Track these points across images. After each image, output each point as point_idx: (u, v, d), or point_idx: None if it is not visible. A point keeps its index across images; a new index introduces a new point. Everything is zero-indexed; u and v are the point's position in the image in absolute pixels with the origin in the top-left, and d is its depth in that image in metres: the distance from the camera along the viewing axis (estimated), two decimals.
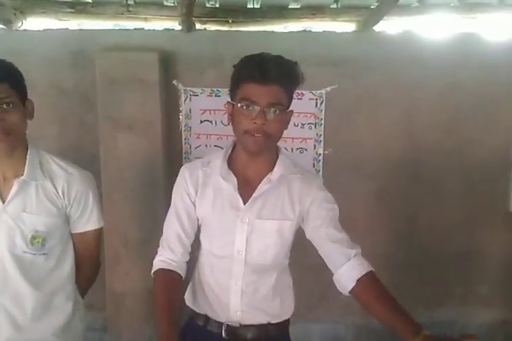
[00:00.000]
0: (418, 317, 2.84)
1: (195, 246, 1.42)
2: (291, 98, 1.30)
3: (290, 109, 1.32)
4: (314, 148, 2.45)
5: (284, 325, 1.44)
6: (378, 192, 2.52)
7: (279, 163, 1.37)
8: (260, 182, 1.34)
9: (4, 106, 1.27)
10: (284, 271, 1.47)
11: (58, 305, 1.44)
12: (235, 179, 1.34)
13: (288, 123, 1.34)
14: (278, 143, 1.36)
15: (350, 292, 1.29)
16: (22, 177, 1.35)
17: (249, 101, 1.23)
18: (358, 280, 1.28)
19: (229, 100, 1.31)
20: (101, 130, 2.28)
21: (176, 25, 2.43)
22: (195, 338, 1.38)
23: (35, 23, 2.48)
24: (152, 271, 1.37)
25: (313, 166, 2.46)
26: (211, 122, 2.39)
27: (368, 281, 1.29)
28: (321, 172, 2.46)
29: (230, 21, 2.49)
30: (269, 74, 1.21)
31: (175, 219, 1.40)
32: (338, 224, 1.41)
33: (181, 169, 1.43)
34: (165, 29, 2.49)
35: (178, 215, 1.39)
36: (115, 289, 2.40)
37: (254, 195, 1.33)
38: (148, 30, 2.45)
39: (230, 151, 1.40)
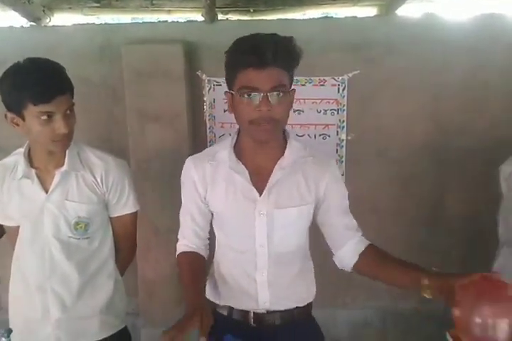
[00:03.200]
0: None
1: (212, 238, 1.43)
2: (292, 76, 1.23)
3: (292, 88, 1.24)
4: (337, 134, 2.46)
5: (309, 307, 1.44)
6: (402, 177, 2.52)
7: (290, 147, 1.31)
8: (272, 170, 1.29)
9: (67, 112, 1.36)
10: (306, 256, 1.45)
11: (101, 283, 1.54)
12: (245, 170, 1.28)
13: (292, 103, 1.26)
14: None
15: (353, 267, 1.34)
16: (63, 168, 1.43)
17: (250, 88, 1.15)
18: (360, 254, 1.33)
19: (229, 89, 1.24)
20: (129, 122, 2.35)
21: (198, 16, 2.46)
22: (221, 327, 1.28)
23: (62, 18, 2.54)
24: (176, 255, 1.39)
25: (336, 152, 2.48)
26: None
27: (368, 250, 1.34)
28: (344, 158, 2.48)
29: (252, 10, 2.50)
30: (267, 57, 1.13)
31: (187, 214, 1.38)
32: (347, 208, 1.41)
33: (187, 161, 1.37)
34: (188, 21, 2.53)
35: (190, 211, 1.37)
36: (147, 276, 2.49)
37: (268, 184, 1.28)
38: (172, 22, 2.50)
39: (234, 140, 1.33)
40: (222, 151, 1.33)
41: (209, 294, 1.43)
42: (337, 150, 2.47)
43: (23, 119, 1.32)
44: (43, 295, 1.46)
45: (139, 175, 2.35)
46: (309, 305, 1.44)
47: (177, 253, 1.39)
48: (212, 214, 1.39)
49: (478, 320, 1.05)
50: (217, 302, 1.41)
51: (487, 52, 2.38)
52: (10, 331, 1.18)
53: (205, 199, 1.35)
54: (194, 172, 1.33)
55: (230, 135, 1.37)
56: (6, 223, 1.54)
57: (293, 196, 1.31)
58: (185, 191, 1.38)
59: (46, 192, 1.44)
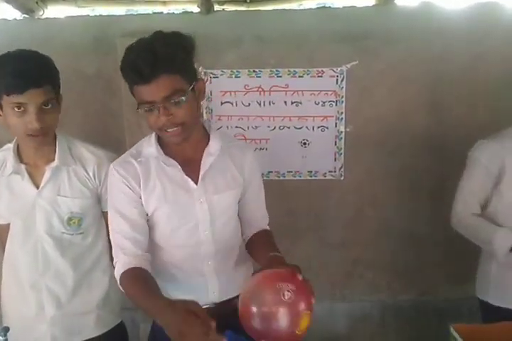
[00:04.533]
0: (444, 292, 2.86)
1: None
2: (188, 74, 1.21)
3: (198, 78, 1.25)
4: (336, 126, 2.44)
5: None
6: (401, 168, 2.50)
7: (213, 136, 1.36)
8: (201, 159, 1.32)
9: (43, 106, 1.32)
10: (241, 239, 1.48)
11: (96, 279, 1.53)
12: (175, 162, 1.30)
13: (202, 96, 1.28)
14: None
15: (245, 246, 1.46)
16: (53, 164, 1.41)
17: (146, 102, 1.17)
18: (251, 236, 1.46)
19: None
20: (125, 115, 2.33)
21: (194, 7, 2.42)
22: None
23: (56, 11, 2.51)
24: (118, 282, 1.26)
25: (335, 144, 2.45)
26: (232, 103, 2.40)
27: (255, 234, 1.45)
28: (343, 150, 2.46)
29: (248, 1, 2.47)
30: (145, 72, 1.13)
31: (121, 221, 1.29)
32: (263, 197, 1.50)
33: (110, 168, 1.33)
34: (184, 12, 2.49)
35: (124, 215, 1.29)
36: None
37: (201, 171, 1.31)
38: (168, 13, 2.46)
39: (156, 137, 1.33)
40: (148, 148, 1.33)
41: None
42: (336, 142, 2.45)
43: (2, 109, 1.31)
44: (37, 293, 1.45)
45: None
46: None
47: (116, 275, 1.27)
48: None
49: (254, 309, 1.05)
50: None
51: (486, 40, 2.35)
52: (7, 329, 1.17)
53: (140, 197, 1.31)
54: (124, 173, 1.30)
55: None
56: None
57: (227, 180, 1.36)
58: (117, 197, 1.32)
59: (37, 188, 1.42)
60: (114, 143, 2.37)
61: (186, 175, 1.31)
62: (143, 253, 1.29)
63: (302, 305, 1.06)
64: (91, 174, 1.47)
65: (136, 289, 1.20)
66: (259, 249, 1.38)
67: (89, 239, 1.50)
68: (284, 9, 2.44)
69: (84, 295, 1.50)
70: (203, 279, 1.38)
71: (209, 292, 1.38)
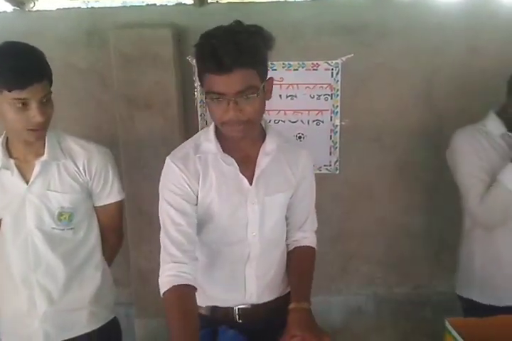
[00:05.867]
0: (439, 285, 2.87)
1: None
2: (263, 71, 1.19)
3: (269, 76, 1.21)
4: (331, 119, 2.42)
5: (289, 296, 1.38)
6: (397, 162, 2.50)
7: (270, 133, 1.32)
8: (257, 157, 1.29)
9: (44, 100, 1.32)
10: (284, 242, 1.45)
11: (88, 274, 1.52)
12: (233, 160, 1.27)
13: (269, 95, 1.24)
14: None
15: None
16: (43, 158, 1.39)
17: (216, 93, 1.12)
18: (295, 247, 1.44)
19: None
20: (118, 109, 2.30)
21: None
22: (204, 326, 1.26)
23: (47, 3, 2.47)
24: (161, 292, 1.25)
25: (330, 138, 2.44)
26: None
27: (298, 250, 1.43)
28: (338, 144, 2.45)
29: None
30: (226, 63, 1.07)
31: (170, 224, 1.28)
32: (313, 200, 1.46)
33: (169, 161, 1.30)
34: (177, 4, 2.46)
35: (174, 219, 1.27)
36: (140, 266, 2.45)
37: (256, 172, 1.28)
38: (161, 5, 2.42)
39: (214, 131, 1.30)
40: (207, 143, 1.30)
41: None
42: (331, 136, 2.44)
43: None
44: (28, 289, 1.44)
45: (130, 163, 2.30)
46: (288, 294, 1.39)
47: (163, 288, 1.24)
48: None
49: None
50: (200, 305, 1.36)
51: (482, 34, 2.33)
52: None
53: (197, 196, 1.29)
54: (184, 169, 1.27)
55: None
56: None
57: (279, 181, 1.33)
58: (169, 195, 1.29)
59: (27, 183, 1.40)
60: (106, 137, 2.35)
61: (241, 173, 1.28)
62: (192, 255, 1.27)
63: None
64: (81, 168, 1.45)
65: (173, 314, 1.19)
66: (293, 277, 1.37)
67: (80, 234, 1.49)
68: (279, 1, 2.41)
69: (76, 290, 1.49)
70: (242, 280, 1.35)
71: (246, 293, 1.36)
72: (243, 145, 1.29)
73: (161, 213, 1.32)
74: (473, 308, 1.77)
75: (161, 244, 1.31)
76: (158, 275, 1.28)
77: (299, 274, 1.37)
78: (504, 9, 2.33)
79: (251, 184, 1.29)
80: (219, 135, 1.29)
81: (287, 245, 1.45)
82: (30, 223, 1.41)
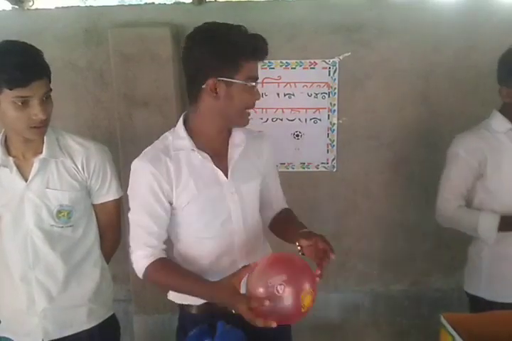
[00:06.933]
0: (435, 282, 2.88)
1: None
2: None
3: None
4: (328, 118, 2.44)
5: None
6: (394, 160, 2.51)
7: (236, 127, 1.39)
8: (227, 149, 1.36)
9: (45, 98, 1.33)
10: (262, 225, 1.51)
11: (87, 272, 1.52)
12: (207, 155, 1.31)
13: None
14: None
15: (269, 227, 1.53)
16: (41, 156, 1.40)
17: (256, 79, 1.27)
18: (274, 216, 1.52)
19: (221, 77, 1.22)
20: (117, 107, 2.31)
21: None
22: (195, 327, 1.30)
23: (45, 1, 2.47)
24: (140, 274, 1.31)
25: (328, 136, 2.45)
26: None
27: (278, 213, 1.53)
28: (335, 143, 2.46)
29: None
30: (266, 52, 1.25)
31: (146, 218, 1.31)
32: (278, 180, 1.57)
33: (137, 164, 1.33)
34: (175, 2, 2.46)
35: (150, 213, 1.31)
36: None
37: (230, 163, 1.34)
38: (159, 4, 2.42)
39: (183, 130, 1.34)
40: (180, 141, 1.33)
41: (176, 298, 1.42)
42: (328, 134, 2.45)
43: None
44: (27, 286, 1.45)
45: (128, 161, 2.29)
46: None
47: (140, 266, 1.31)
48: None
49: (262, 289, 1.10)
50: (192, 303, 1.39)
51: (478, 33, 2.35)
52: None
53: (170, 196, 1.32)
54: (155, 171, 1.29)
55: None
56: None
57: (251, 169, 1.41)
58: (143, 195, 1.31)
59: (26, 180, 1.41)
60: (105, 135, 2.37)
61: (216, 166, 1.34)
62: (164, 247, 1.35)
63: (298, 291, 1.11)
64: (79, 166, 1.46)
65: (173, 276, 1.28)
66: (287, 227, 1.44)
67: (79, 231, 1.49)
68: (276, 0, 2.42)
69: (75, 288, 1.50)
70: (233, 271, 1.33)
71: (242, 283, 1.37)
72: (215, 141, 1.35)
73: (132, 220, 1.36)
74: (480, 305, 1.78)
75: (132, 236, 1.36)
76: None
77: (291, 219, 1.49)
78: (501, 8, 2.34)
79: (226, 176, 1.34)
80: (190, 132, 1.34)
81: (266, 221, 1.54)
82: (29, 221, 1.42)
